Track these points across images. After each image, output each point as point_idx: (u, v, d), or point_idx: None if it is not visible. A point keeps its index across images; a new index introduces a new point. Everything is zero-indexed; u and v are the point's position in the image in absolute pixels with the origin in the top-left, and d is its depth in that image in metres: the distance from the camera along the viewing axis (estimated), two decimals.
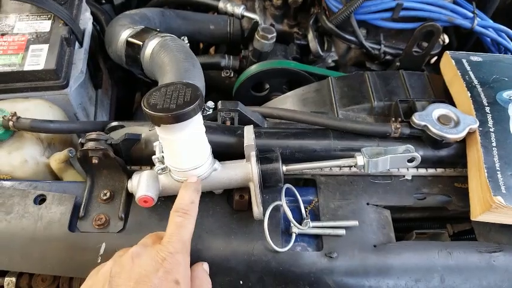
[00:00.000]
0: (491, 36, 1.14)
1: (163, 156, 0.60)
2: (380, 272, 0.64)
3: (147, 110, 0.50)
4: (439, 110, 0.73)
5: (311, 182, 0.75)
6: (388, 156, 0.64)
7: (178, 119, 0.51)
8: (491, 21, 1.15)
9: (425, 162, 0.74)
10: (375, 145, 0.72)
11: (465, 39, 1.28)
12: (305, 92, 0.94)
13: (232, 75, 1.18)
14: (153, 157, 0.60)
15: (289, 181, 0.72)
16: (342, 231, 0.66)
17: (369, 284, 0.63)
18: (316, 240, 0.67)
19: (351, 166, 0.65)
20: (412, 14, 1.08)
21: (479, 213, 0.67)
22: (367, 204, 0.71)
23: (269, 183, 0.64)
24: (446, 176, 0.75)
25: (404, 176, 0.75)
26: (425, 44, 1.12)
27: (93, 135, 0.63)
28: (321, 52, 1.14)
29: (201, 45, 1.45)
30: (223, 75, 1.18)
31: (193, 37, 1.23)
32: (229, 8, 1.21)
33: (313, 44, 1.14)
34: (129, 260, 0.51)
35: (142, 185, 0.60)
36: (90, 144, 0.62)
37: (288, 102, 0.95)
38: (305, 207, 0.70)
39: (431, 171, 0.75)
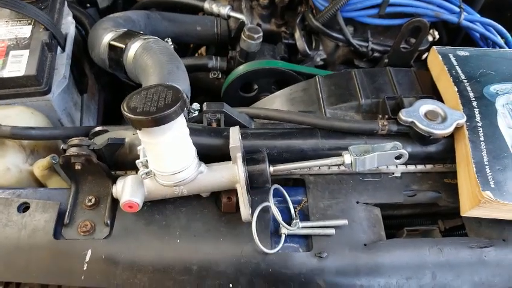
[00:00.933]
0: (478, 30, 1.14)
1: (147, 160, 0.59)
2: (371, 270, 0.63)
3: (126, 114, 0.49)
4: (426, 106, 0.72)
5: (300, 182, 0.74)
6: (375, 153, 0.63)
7: (159, 122, 0.50)
8: (479, 16, 1.15)
9: (414, 159, 0.73)
10: (363, 143, 0.71)
11: (454, 35, 1.28)
12: (293, 91, 0.93)
13: (220, 76, 1.17)
14: (137, 161, 0.59)
15: (278, 181, 0.71)
16: (332, 231, 0.65)
17: (360, 283, 0.63)
18: (306, 241, 0.66)
19: (339, 165, 0.65)
20: (398, 10, 1.08)
21: (468, 209, 0.66)
22: (357, 202, 0.70)
23: (256, 184, 0.63)
24: (436, 172, 0.75)
25: (393, 173, 0.74)
26: (413, 40, 1.11)
27: (75, 140, 0.62)
28: (308, 51, 1.13)
29: (191, 46, 1.44)
30: (211, 77, 1.17)
31: (180, 39, 1.22)
32: (215, 8, 1.20)
33: (300, 43, 1.13)
34: None
35: (127, 190, 0.59)
36: (72, 150, 0.61)
37: (276, 102, 0.94)
38: (294, 208, 0.69)
39: (420, 167, 0.75)
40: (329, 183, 0.72)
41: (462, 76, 0.81)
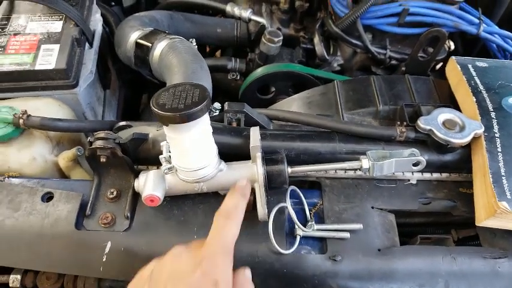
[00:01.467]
0: (497, 42, 1.14)
1: (170, 156, 0.61)
2: (384, 276, 0.64)
3: (155, 110, 0.51)
4: (444, 114, 0.73)
5: (316, 184, 0.75)
6: (393, 159, 0.64)
7: (186, 118, 0.51)
8: (497, 28, 1.15)
9: (430, 167, 0.74)
10: (380, 148, 0.72)
11: (471, 45, 1.28)
12: (310, 95, 0.94)
13: (238, 77, 1.19)
14: (160, 157, 0.61)
15: (294, 183, 0.72)
16: (347, 235, 0.66)
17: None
18: (321, 243, 0.67)
19: (356, 169, 0.66)
20: (418, 19, 1.08)
21: (483, 219, 0.67)
22: (372, 207, 0.71)
23: (274, 185, 0.65)
24: (451, 181, 0.76)
25: (409, 180, 0.75)
26: (431, 50, 1.12)
27: (101, 134, 0.64)
28: (326, 56, 1.14)
29: (208, 49, 1.46)
30: (229, 78, 1.19)
31: (200, 40, 1.24)
32: (237, 11, 1.22)
33: (319, 48, 1.14)
34: (169, 259, 0.51)
35: (149, 184, 0.61)
36: (98, 143, 0.63)
37: (293, 105, 0.95)
38: (310, 210, 0.70)
39: (436, 175, 0.75)
40: (345, 187, 0.73)
41: (481, 87, 0.81)
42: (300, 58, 1.21)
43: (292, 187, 0.68)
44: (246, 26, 1.23)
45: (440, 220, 0.82)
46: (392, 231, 0.69)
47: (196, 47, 0.95)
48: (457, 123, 0.72)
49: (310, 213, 0.70)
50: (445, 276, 0.65)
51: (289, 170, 0.65)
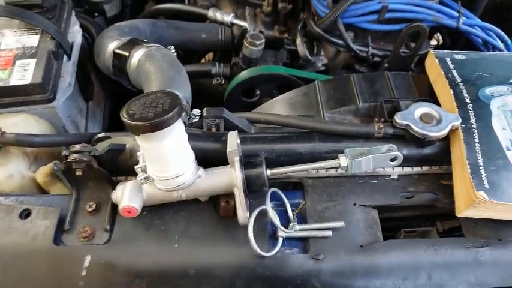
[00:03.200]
0: (477, 34, 1.14)
1: (146, 166, 0.61)
2: (367, 272, 0.64)
3: (125, 120, 0.51)
4: (422, 108, 0.73)
5: (299, 185, 0.75)
6: (370, 156, 0.64)
7: (156, 127, 0.51)
8: (478, 20, 1.15)
9: (410, 161, 0.74)
10: (359, 146, 0.72)
11: (456, 39, 1.28)
12: (293, 96, 0.94)
13: (223, 82, 1.19)
14: (136, 167, 0.61)
15: (277, 185, 0.72)
16: (329, 233, 0.66)
17: (357, 284, 0.63)
18: (303, 243, 0.67)
19: (335, 167, 0.66)
20: (398, 15, 1.08)
21: (463, 209, 0.67)
22: (354, 204, 0.71)
23: (254, 188, 0.65)
24: (432, 174, 0.76)
25: (390, 176, 0.75)
26: (413, 45, 1.12)
27: (76, 147, 0.64)
28: (309, 56, 1.15)
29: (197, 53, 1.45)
30: (214, 83, 1.19)
31: (185, 46, 1.24)
32: (219, 16, 1.22)
33: (302, 48, 1.15)
34: None
35: (126, 195, 0.61)
36: (73, 156, 0.63)
37: (277, 107, 0.96)
38: (292, 211, 0.70)
39: (417, 169, 0.75)
40: (327, 186, 0.73)
41: (458, 79, 0.82)
42: (284, 60, 1.22)
43: (273, 189, 0.69)
44: (230, 30, 1.24)
45: (426, 213, 0.82)
46: (375, 226, 0.70)
47: (176, 53, 0.95)
48: (434, 117, 0.72)
49: (293, 214, 0.70)
50: (427, 268, 0.65)
51: (269, 172, 0.66)
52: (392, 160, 0.65)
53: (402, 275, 0.64)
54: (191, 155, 0.62)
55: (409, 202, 0.75)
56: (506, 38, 1.16)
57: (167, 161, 0.58)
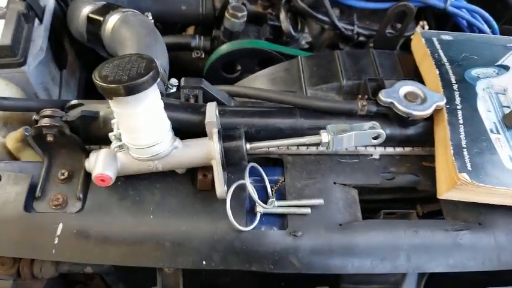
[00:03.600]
0: (464, 17, 1.13)
1: (120, 134, 0.58)
2: (345, 250, 0.63)
3: (97, 82, 0.48)
4: (406, 87, 0.72)
5: (279, 162, 0.73)
6: (352, 133, 0.63)
7: (130, 90, 0.48)
8: (465, 2, 1.14)
9: (392, 141, 0.73)
10: (341, 123, 0.71)
11: (442, 22, 1.27)
12: (275, 71, 0.92)
13: (203, 56, 1.15)
14: (110, 134, 0.58)
15: (257, 161, 0.71)
16: (307, 210, 0.65)
17: (335, 263, 0.63)
18: (282, 219, 0.66)
19: (316, 144, 0.64)
20: None
21: (445, 191, 0.67)
22: (334, 183, 0.70)
23: (233, 161, 0.63)
24: (415, 155, 0.75)
25: (372, 155, 0.74)
26: (399, 26, 1.11)
27: (47, 111, 0.61)
28: (293, 33, 1.12)
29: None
30: (193, 56, 1.15)
31: (164, 18, 1.19)
32: None
33: (285, 24, 1.12)
34: None
35: (99, 163, 0.58)
36: (44, 121, 0.60)
37: (257, 82, 0.93)
38: (271, 187, 0.69)
39: (399, 150, 0.74)
40: (307, 164, 0.72)
41: (444, 59, 0.81)
42: (266, 35, 1.18)
43: (253, 164, 0.67)
44: (211, 2, 1.19)
45: (407, 196, 0.82)
46: (355, 206, 0.69)
47: (152, 21, 0.91)
48: (418, 96, 0.71)
49: (271, 190, 0.68)
50: (406, 249, 0.64)
51: (248, 146, 0.63)
52: (375, 138, 0.64)
53: (380, 255, 0.63)
54: (167, 125, 0.59)
55: (389, 184, 0.75)
56: (493, 22, 1.16)
57: (142, 128, 0.55)
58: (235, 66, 1.13)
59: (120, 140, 0.58)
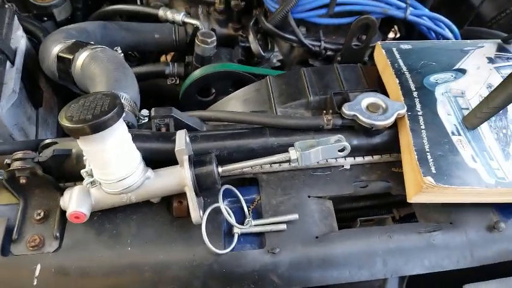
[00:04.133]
0: (425, 24, 1.18)
1: (92, 170, 0.59)
2: (323, 262, 0.65)
3: (62, 123, 0.50)
4: (368, 99, 0.75)
5: (255, 181, 0.75)
6: (319, 147, 0.65)
7: (96, 128, 0.50)
8: (427, 10, 1.19)
9: (361, 151, 0.76)
10: (310, 138, 0.73)
11: (411, 30, 1.32)
12: (246, 92, 0.94)
13: (178, 82, 1.18)
14: (82, 171, 0.59)
15: (233, 182, 0.73)
16: (283, 226, 0.67)
17: (314, 275, 0.64)
18: (259, 238, 0.67)
19: (286, 161, 0.66)
20: (347, 8, 1.10)
21: (413, 195, 0.69)
22: (309, 196, 0.72)
23: (206, 186, 0.64)
24: (384, 162, 0.78)
25: (343, 166, 0.76)
26: (365, 37, 1.15)
27: (19, 154, 0.62)
28: (262, 53, 1.15)
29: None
30: (168, 83, 1.17)
31: (139, 47, 1.22)
32: (170, 15, 1.21)
33: (254, 45, 1.15)
34: None
35: (73, 200, 0.59)
36: (16, 164, 0.61)
37: (231, 104, 0.95)
38: (248, 206, 0.70)
39: (368, 158, 0.77)
40: (281, 180, 0.74)
41: (404, 68, 0.84)
42: (239, 57, 1.22)
43: (227, 186, 0.68)
44: (184, 29, 1.22)
45: (383, 201, 0.84)
46: (330, 217, 0.71)
47: (122, 54, 0.93)
48: (380, 106, 0.74)
49: (248, 210, 0.70)
50: (382, 254, 0.66)
51: (220, 169, 0.65)
52: (341, 150, 0.66)
53: (358, 263, 0.65)
54: (137, 156, 0.60)
55: (364, 191, 0.77)
56: (453, 27, 1.21)
57: (111, 163, 0.56)
58: (209, 89, 1.15)
59: (92, 176, 0.59)
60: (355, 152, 0.76)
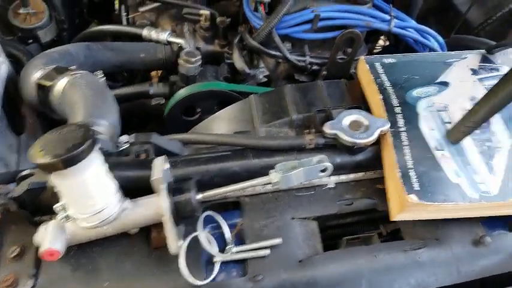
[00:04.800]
0: (410, 36, 1.17)
1: (66, 204, 0.58)
2: (307, 287, 0.63)
3: (33, 159, 0.49)
4: (350, 116, 0.74)
5: (239, 204, 0.74)
6: (300, 169, 0.64)
7: (68, 163, 0.49)
8: (413, 22, 1.19)
9: (345, 168, 0.75)
10: (293, 159, 0.72)
11: (400, 40, 1.32)
12: (230, 112, 0.94)
13: (163, 102, 1.17)
14: (55, 206, 0.58)
15: (216, 207, 0.71)
16: (266, 252, 0.65)
17: None
18: (242, 265, 0.66)
19: (268, 184, 0.65)
20: (331, 23, 1.10)
21: (397, 213, 0.68)
22: (292, 218, 0.70)
23: (185, 214, 0.63)
24: (368, 179, 0.77)
25: (327, 185, 0.75)
26: (350, 51, 1.14)
27: None
28: (246, 70, 1.15)
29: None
30: (153, 104, 1.17)
31: (124, 67, 1.21)
32: (154, 35, 1.20)
33: (239, 62, 1.14)
34: None
35: (46, 237, 0.57)
36: None
37: (214, 124, 0.94)
38: (231, 231, 0.69)
39: (352, 176, 0.76)
40: (265, 203, 0.73)
41: (387, 83, 0.83)
42: (225, 74, 1.21)
43: (208, 213, 0.67)
44: (170, 48, 1.22)
45: (370, 217, 0.83)
46: (314, 238, 0.69)
47: (104, 78, 0.92)
48: (362, 124, 0.73)
49: (231, 235, 0.68)
50: (367, 275, 0.65)
51: (200, 196, 0.64)
52: (323, 171, 0.65)
53: (342, 286, 0.64)
54: (112, 187, 0.59)
55: (349, 209, 0.76)
56: (439, 37, 1.20)
57: (85, 197, 0.55)
58: (194, 108, 1.15)
59: (66, 211, 0.58)
60: (339, 170, 0.75)
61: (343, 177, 0.76)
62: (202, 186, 0.66)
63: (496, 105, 0.69)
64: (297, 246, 0.67)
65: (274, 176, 0.64)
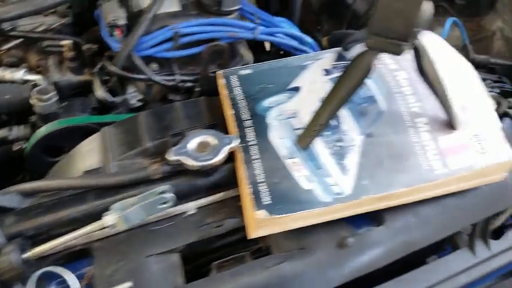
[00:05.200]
0: (277, 41, 1.19)
1: None
2: None
3: None
4: (196, 139, 0.71)
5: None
6: (137, 206, 0.59)
7: None
8: (283, 28, 1.20)
9: (201, 192, 0.72)
10: (139, 193, 0.67)
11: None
12: (86, 146, 0.87)
13: (25, 145, 1.06)
14: None
15: (63, 258, 0.65)
16: None
17: None
18: None
19: (104, 228, 0.60)
20: (195, 38, 1.08)
21: (252, 231, 0.66)
22: (147, 256, 0.66)
23: (12, 280, 0.56)
24: (230, 198, 0.74)
25: (187, 212, 0.71)
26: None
27: None
28: (110, 99, 1.08)
29: None
30: (14, 149, 1.06)
31: None
32: (8, 75, 1.10)
33: (100, 92, 1.08)
34: None
35: None
36: None
37: (71, 162, 0.87)
38: (80, 283, 0.63)
39: (212, 198, 0.73)
40: (118, 244, 0.67)
41: (241, 96, 0.82)
42: (92, 105, 1.13)
43: (48, 269, 0.60)
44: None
45: (241, 236, 0.80)
46: (175, 271, 0.65)
47: None
48: (209, 144, 0.70)
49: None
50: None
51: (28, 254, 0.57)
52: (164, 203, 0.61)
53: None
54: None
55: (215, 232, 0.72)
56: (307, 38, 1.22)
57: None
58: (61, 147, 1.06)
59: None
60: (196, 194, 0.71)
61: (203, 201, 0.72)
62: (41, 242, 0.59)
63: (337, 102, 0.70)
64: (153, 285, 0.63)
65: (108, 219, 0.58)
